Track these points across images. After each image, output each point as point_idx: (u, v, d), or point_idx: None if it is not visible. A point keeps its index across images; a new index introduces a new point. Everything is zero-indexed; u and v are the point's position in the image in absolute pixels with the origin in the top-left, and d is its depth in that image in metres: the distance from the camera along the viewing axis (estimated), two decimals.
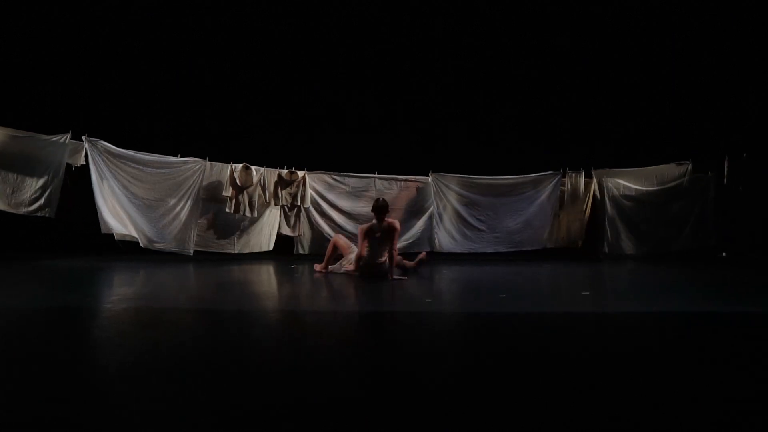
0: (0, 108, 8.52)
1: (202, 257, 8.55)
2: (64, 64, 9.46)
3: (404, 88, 10.05)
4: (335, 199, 9.09)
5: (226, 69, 9.88)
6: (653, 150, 9.82)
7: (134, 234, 8.31)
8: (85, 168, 8.15)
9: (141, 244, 8.37)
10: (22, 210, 7.94)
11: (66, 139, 8.09)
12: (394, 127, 9.87)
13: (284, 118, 9.77)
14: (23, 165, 7.95)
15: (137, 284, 5.83)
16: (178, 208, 8.55)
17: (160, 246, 8.47)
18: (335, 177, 9.12)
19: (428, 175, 9.29)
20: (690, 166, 9.50)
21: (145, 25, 9.58)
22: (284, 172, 8.96)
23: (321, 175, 9.09)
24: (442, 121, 10.06)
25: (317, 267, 6.93)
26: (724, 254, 9.41)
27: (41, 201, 7.97)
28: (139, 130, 9.24)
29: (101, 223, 8.01)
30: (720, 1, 9.78)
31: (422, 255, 7.26)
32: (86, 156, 8.14)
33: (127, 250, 8.46)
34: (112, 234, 8.16)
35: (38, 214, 7.98)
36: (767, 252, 9.04)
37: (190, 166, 8.66)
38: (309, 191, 8.98)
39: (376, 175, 9.21)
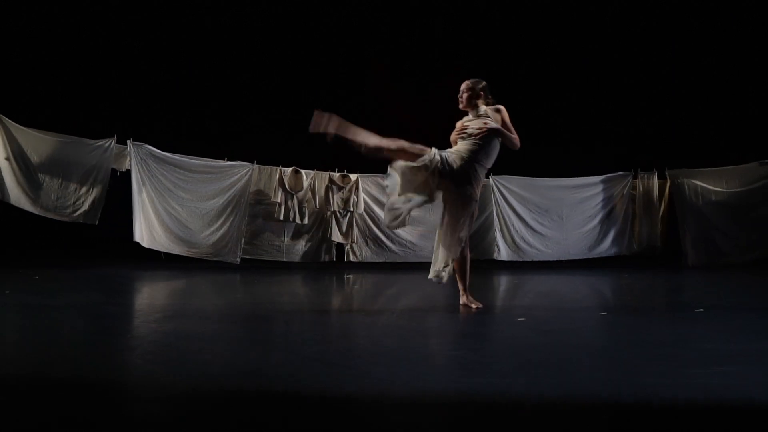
0: (40, 112, 8.39)
1: (249, 265, 8.11)
2: (105, 68, 9.41)
3: (457, 83, 9.54)
4: None
5: (272, 70, 9.64)
6: (730, 149, 9.05)
7: (164, 248, 7.94)
8: (129, 173, 7.86)
9: (181, 253, 7.99)
10: (66, 217, 7.68)
11: (111, 143, 7.82)
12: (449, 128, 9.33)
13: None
14: (67, 171, 7.70)
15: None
16: (225, 215, 8.17)
17: (204, 254, 8.08)
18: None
19: (488, 178, 8.67)
20: None
21: (192, 29, 9.43)
22: (336, 175, 8.48)
23: (375, 178, 8.54)
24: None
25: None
26: None
27: (85, 207, 7.68)
28: (184, 134, 8.98)
29: (135, 230, 7.68)
30: None
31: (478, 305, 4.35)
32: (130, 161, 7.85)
33: (168, 258, 8.09)
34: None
35: (82, 221, 7.70)
36: None
37: (237, 170, 8.26)
38: (362, 196, 8.46)
39: None
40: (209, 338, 3.25)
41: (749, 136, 9.25)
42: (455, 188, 4.18)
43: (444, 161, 4.14)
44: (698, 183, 8.82)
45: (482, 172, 4.34)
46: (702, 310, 4.22)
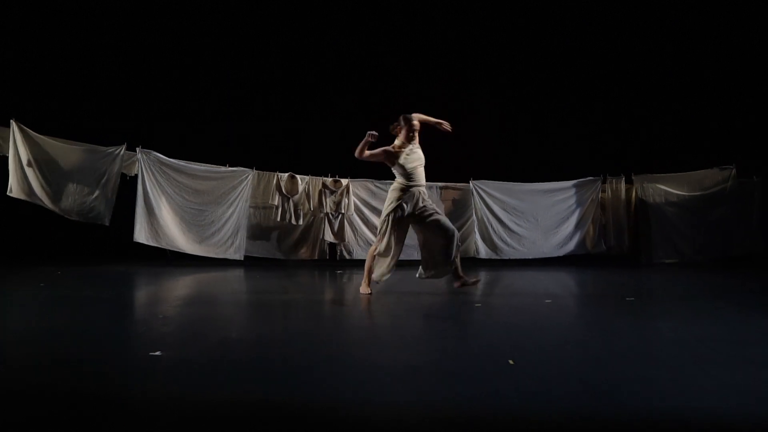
0: (57, 120, 9.03)
1: (251, 262, 8.85)
2: (115, 77, 10.00)
3: (443, 93, 10.22)
4: (378, 206, 9.29)
5: (273, 83, 10.26)
6: (695, 155, 9.79)
7: (171, 246, 8.65)
8: (136, 178, 8.58)
9: (186, 251, 8.70)
10: (82, 217, 8.39)
11: (122, 150, 8.52)
12: (434, 134, 10.04)
13: (329, 127, 10.04)
14: (82, 175, 8.39)
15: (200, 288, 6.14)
16: (227, 216, 8.88)
17: (209, 252, 8.81)
18: (377, 184, 9.33)
19: (468, 182, 9.43)
20: (734, 171, 9.39)
21: (196, 40, 10.03)
22: (328, 180, 9.22)
23: (364, 182, 9.31)
24: (480, 128, 10.18)
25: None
26: None
27: (99, 209, 8.39)
28: (190, 142, 9.66)
29: (135, 231, 8.36)
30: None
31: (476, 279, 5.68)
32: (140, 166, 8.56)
33: (175, 256, 8.85)
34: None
35: (97, 222, 8.41)
36: None
37: (238, 175, 8.99)
38: (352, 199, 9.22)
39: None
40: (223, 319, 4.00)
41: (710, 144, 9.97)
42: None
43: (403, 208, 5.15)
44: (661, 187, 9.55)
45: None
46: (633, 298, 5.00)
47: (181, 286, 6.42)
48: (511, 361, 2.68)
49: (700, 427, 1.92)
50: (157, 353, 2.83)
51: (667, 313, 4.37)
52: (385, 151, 5.21)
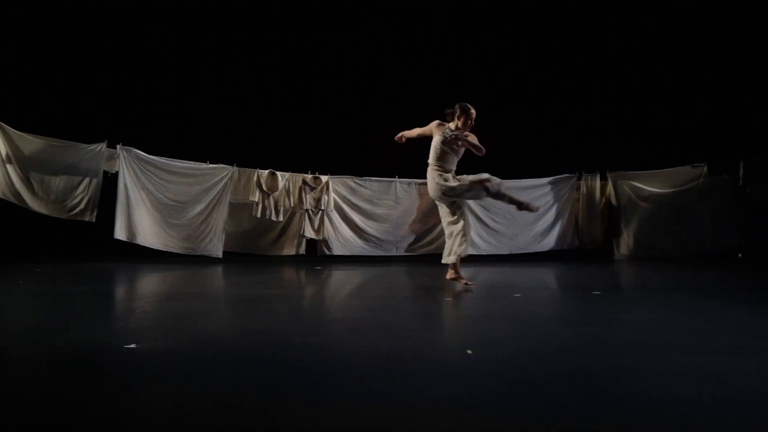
0: (31, 118, 8.99)
1: (231, 258, 8.93)
2: (91, 72, 9.97)
3: (420, 92, 10.35)
4: (358, 203, 9.43)
5: (252, 78, 10.30)
6: (669, 153, 10.01)
7: (151, 244, 8.71)
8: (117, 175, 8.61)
9: (166, 249, 8.77)
10: (65, 214, 8.42)
11: (102, 147, 8.56)
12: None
13: (309, 124, 10.13)
14: (64, 173, 8.43)
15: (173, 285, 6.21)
16: (207, 213, 8.95)
17: (189, 249, 8.87)
18: (357, 181, 9.46)
19: None
20: (705, 169, 9.65)
21: (175, 34, 10.04)
22: (309, 177, 9.32)
23: (344, 179, 9.43)
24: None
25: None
26: (740, 255, 9.53)
27: (82, 206, 8.44)
28: (171, 139, 9.67)
29: (116, 228, 8.43)
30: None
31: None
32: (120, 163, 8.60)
33: (154, 253, 8.89)
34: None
35: (79, 218, 8.45)
36: None
37: (218, 172, 9.06)
38: (332, 195, 9.33)
39: (396, 179, 9.52)
40: (199, 314, 4.10)
41: (683, 141, 10.20)
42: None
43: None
44: (635, 184, 9.79)
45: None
46: (599, 292, 5.19)
47: (159, 282, 6.50)
48: (469, 351, 2.82)
49: (672, 414, 2.02)
50: (132, 346, 2.94)
51: (635, 306, 4.56)
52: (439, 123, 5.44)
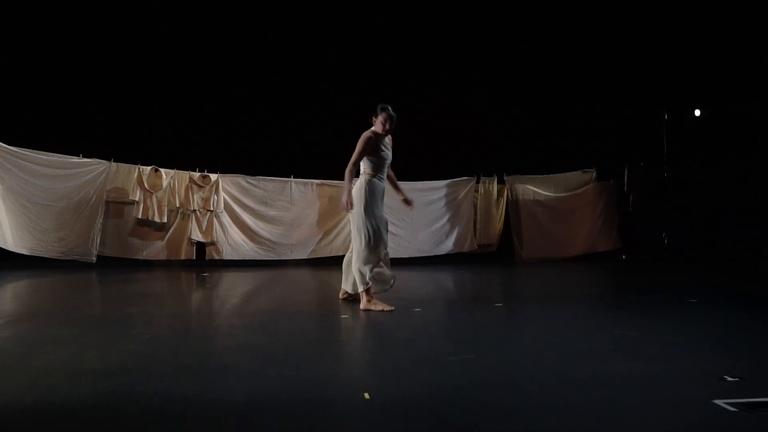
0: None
1: (107, 263, 8.11)
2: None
3: (317, 91, 10.05)
4: (250, 204, 8.88)
5: (136, 68, 9.57)
6: (563, 158, 10.28)
7: (13, 247, 7.77)
8: None
9: (31, 253, 7.84)
10: None
11: None
12: (309, 130, 9.82)
13: (197, 119, 9.52)
14: None
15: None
16: (79, 212, 8.09)
17: (57, 253, 7.96)
18: (250, 180, 8.91)
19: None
20: (594, 174, 10.02)
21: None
22: (196, 175, 8.67)
23: (235, 178, 8.84)
24: (355, 125, 10.04)
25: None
26: (623, 257, 9.96)
27: None
28: (40, 130, 8.73)
29: None
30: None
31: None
32: None
33: (20, 258, 7.90)
34: None
35: None
36: (660, 254, 9.87)
37: (93, 167, 8.20)
38: (223, 195, 8.73)
39: (292, 179, 9.06)
40: (49, 342, 3.49)
41: (576, 147, 10.51)
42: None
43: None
44: (530, 188, 9.96)
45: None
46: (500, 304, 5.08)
47: (12, 296, 5.68)
48: (366, 395, 2.50)
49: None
50: None
51: (536, 320, 4.45)
52: (368, 139, 4.88)
